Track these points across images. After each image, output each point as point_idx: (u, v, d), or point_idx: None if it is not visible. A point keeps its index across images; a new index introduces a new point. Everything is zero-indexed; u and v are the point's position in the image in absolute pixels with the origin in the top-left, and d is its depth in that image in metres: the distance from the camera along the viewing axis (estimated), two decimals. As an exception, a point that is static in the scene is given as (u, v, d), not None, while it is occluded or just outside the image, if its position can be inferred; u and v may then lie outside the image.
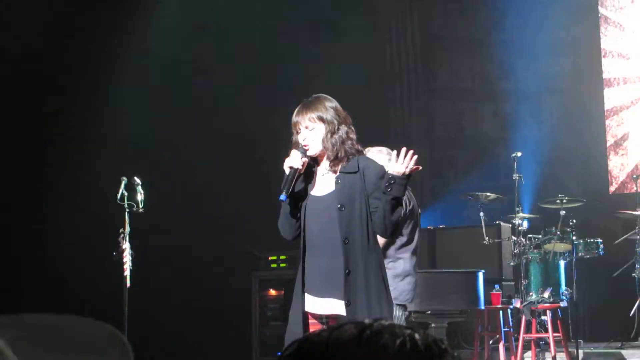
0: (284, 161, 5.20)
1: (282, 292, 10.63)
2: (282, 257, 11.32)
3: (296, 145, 5.22)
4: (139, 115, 11.00)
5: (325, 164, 5.24)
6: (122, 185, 7.83)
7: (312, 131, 5.17)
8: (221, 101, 11.53)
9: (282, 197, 5.11)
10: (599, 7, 12.60)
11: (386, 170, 5.20)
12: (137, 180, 7.87)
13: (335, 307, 5.09)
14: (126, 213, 7.79)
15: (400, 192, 5.03)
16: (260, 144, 11.10)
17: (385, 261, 7.41)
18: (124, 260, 7.70)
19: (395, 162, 5.06)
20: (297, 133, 5.22)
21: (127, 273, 7.67)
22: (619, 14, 12.50)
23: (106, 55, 11.04)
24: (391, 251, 7.36)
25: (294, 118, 5.23)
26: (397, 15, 13.44)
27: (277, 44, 11.70)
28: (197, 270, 11.02)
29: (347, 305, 5.00)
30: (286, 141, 5.36)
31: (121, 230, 7.82)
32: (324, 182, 5.24)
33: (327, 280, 5.11)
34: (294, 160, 5.14)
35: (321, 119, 5.17)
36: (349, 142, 5.20)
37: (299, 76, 11.10)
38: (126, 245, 7.69)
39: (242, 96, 11.67)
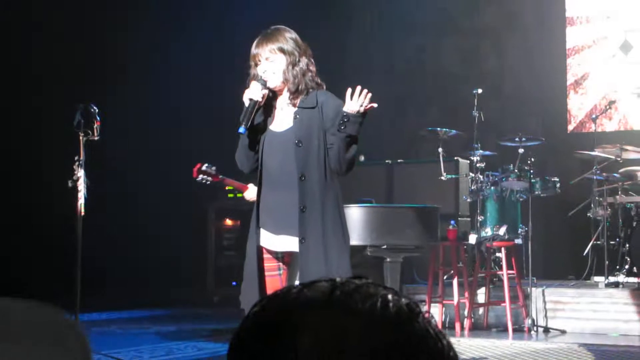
0: (243, 93, 5.10)
1: (239, 222, 10.61)
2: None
3: (255, 79, 5.12)
4: (95, 44, 10.87)
5: (284, 98, 5.15)
6: (78, 113, 7.69)
7: (272, 63, 5.07)
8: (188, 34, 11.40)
9: (241, 129, 5.01)
10: (564, -56, 12.54)
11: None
12: (94, 107, 7.74)
13: (289, 243, 5.04)
14: (82, 140, 7.67)
15: (355, 130, 4.95)
16: (219, 77, 10.98)
17: None
18: (79, 188, 7.59)
19: (349, 99, 4.97)
20: (256, 65, 5.11)
21: (81, 201, 7.56)
22: (584, -48, 12.43)
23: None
24: None
25: (253, 50, 5.11)
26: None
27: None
28: (153, 200, 10.97)
29: (301, 242, 4.96)
30: (245, 73, 5.26)
31: (76, 157, 7.70)
32: (283, 117, 5.15)
33: (282, 216, 5.05)
34: (253, 92, 5.04)
35: (282, 50, 5.07)
36: (309, 74, 5.12)
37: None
38: (81, 173, 7.57)
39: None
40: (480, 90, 9.90)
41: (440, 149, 10.07)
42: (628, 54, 12.02)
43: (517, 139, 9.91)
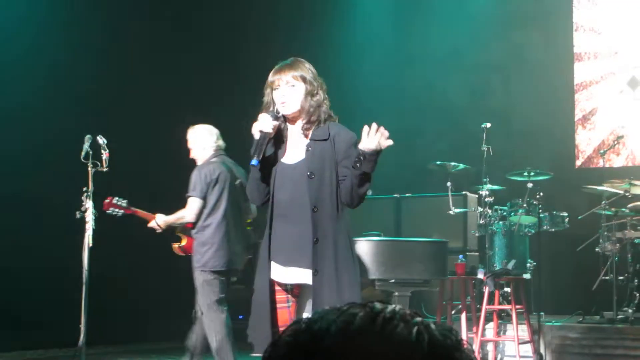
0: (252, 126, 5.11)
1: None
2: (247, 221, 11.26)
3: (267, 108, 5.13)
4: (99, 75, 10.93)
5: (296, 128, 5.15)
6: (87, 144, 7.71)
7: (292, 88, 5.06)
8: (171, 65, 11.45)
9: (254, 162, 4.98)
10: (573, -19, 12.61)
11: (356, 139, 5.11)
12: (102, 138, 7.76)
13: (299, 276, 5.02)
14: (90, 172, 7.68)
15: (370, 167, 4.92)
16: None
17: (193, 232, 7.65)
18: (87, 219, 7.60)
19: (366, 137, 4.96)
20: (274, 90, 5.10)
21: (89, 232, 7.56)
22: (592, -12, 12.50)
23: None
24: (199, 222, 7.77)
25: (273, 76, 5.09)
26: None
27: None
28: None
29: (314, 274, 4.94)
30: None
31: (85, 188, 7.72)
32: (295, 149, 5.14)
33: (294, 248, 5.03)
34: (264, 124, 5.02)
35: (303, 79, 5.07)
36: (324, 106, 5.13)
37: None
38: (89, 204, 7.58)
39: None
40: (489, 125, 9.91)
41: (448, 183, 10.08)
42: (635, 89, 12.05)
43: (525, 174, 9.93)
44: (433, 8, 13.04)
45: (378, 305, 1.19)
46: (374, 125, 4.94)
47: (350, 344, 1.12)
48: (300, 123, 5.14)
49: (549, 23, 12.58)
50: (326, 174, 5.03)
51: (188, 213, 7.93)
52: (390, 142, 4.98)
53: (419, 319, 1.17)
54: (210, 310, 7.88)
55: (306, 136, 5.12)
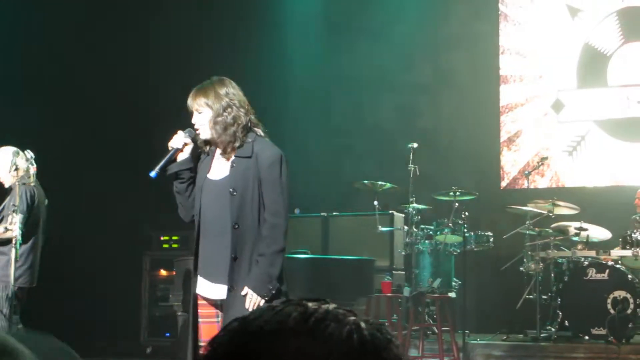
0: (170, 139, 5.21)
1: (173, 272, 10.52)
2: (174, 238, 11.24)
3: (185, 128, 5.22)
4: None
5: (219, 149, 5.20)
6: (14, 158, 7.65)
7: (200, 115, 5.15)
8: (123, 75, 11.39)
9: (152, 173, 5.11)
10: (499, 5, 12.80)
11: (280, 156, 5.15)
12: (30, 153, 7.71)
13: (222, 292, 5.05)
14: (18, 186, 7.61)
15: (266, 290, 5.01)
16: (155, 120, 10.99)
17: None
18: (14, 234, 7.52)
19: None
20: (191, 114, 5.19)
21: (17, 246, 7.48)
22: (519, 12, 12.70)
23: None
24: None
25: (188, 101, 5.20)
26: (300, 1, 13.41)
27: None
28: (89, 247, 10.86)
29: (229, 291, 4.98)
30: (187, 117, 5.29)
31: (12, 204, 7.66)
32: (220, 166, 5.19)
33: (217, 264, 5.08)
34: (175, 141, 5.17)
35: (207, 105, 5.13)
36: (232, 128, 5.12)
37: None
38: (17, 219, 7.51)
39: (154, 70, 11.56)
40: (415, 145, 10.01)
41: (375, 202, 10.15)
42: (560, 112, 12.26)
43: (451, 194, 10.03)
44: (362, 28, 13.13)
45: (312, 305, 1.20)
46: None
47: (283, 344, 1.13)
48: (219, 145, 5.20)
49: (475, 45, 12.74)
50: (248, 191, 5.06)
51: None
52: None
53: (351, 317, 1.19)
54: None
55: (229, 155, 5.16)
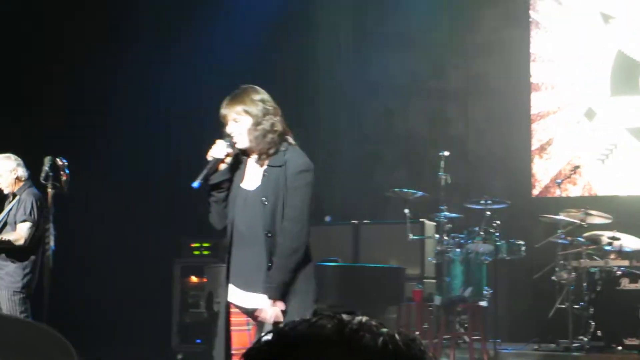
0: (208, 150, 5.20)
1: (204, 279, 10.55)
2: (205, 245, 11.27)
3: (223, 137, 5.20)
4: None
5: (254, 157, 5.21)
6: (47, 165, 7.69)
7: (237, 124, 5.14)
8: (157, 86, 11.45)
9: (194, 184, 5.09)
10: (531, 12, 12.74)
11: (308, 166, 5.17)
12: (63, 160, 7.74)
13: (257, 300, 5.07)
14: (50, 193, 7.66)
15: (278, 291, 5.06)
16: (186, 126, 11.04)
17: None
18: (46, 240, 7.58)
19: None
20: (226, 125, 5.18)
21: (49, 253, 7.54)
22: (550, 20, 12.63)
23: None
24: None
25: (222, 110, 5.19)
26: (330, 9, 13.43)
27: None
28: (120, 254, 10.91)
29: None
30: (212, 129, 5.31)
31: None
32: (253, 175, 5.22)
33: (251, 274, 5.11)
34: (216, 151, 5.15)
35: (246, 112, 5.14)
36: (270, 135, 5.15)
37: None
38: (49, 226, 7.57)
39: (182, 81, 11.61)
40: (447, 153, 10.00)
41: (406, 210, 10.12)
42: (592, 120, 12.18)
43: (482, 202, 10.00)
44: (393, 35, 13.11)
45: (346, 317, 1.21)
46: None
47: (319, 354, 1.14)
48: (255, 153, 5.20)
49: (507, 53, 12.69)
50: (279, 200, 5.10)
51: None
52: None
53: (384, 329, 1.20)
54: None
55: (263, 164, 5.18)
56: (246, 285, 5.13)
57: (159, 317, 11.05)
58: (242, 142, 5.16)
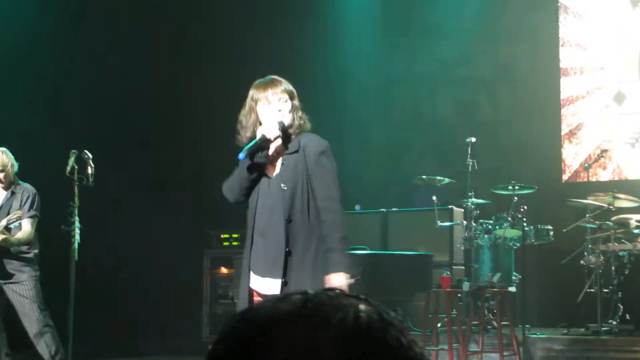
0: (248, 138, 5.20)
1: (233, 270, 10.62)
2: (234, 236, 11.33)
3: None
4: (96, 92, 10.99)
5: (276, 143, 5.23)
6: (73, 159, 7.78)
7: (285, 103, 5.17)
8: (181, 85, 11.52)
9: (241, 155, 5.05)
10: (559, -4, 12.68)
11: (327, 147, 5.22)
12: (88, 154, 7.82)
13: (273, 286, 5.10)
14: (76, 186, 7.75)
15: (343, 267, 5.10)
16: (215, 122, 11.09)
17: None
18: (72, 233, 7.67)
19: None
20: (267, 105, 5.15)
21: (75, 246, 7.64)
22: (578, 4, 12.57)
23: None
24: None
25: (264, 91, 5.16)
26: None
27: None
28: (148, 246, 11.00)
29: (283, 285, 5.04)
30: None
31: (71, 203, 7.79)
32: (274, 163, 5.25)
33: (269, 259, 5.13)
34: (270, 131, 5.11)
35: (291, 95, 5.20)
36: (302, 120, 5.22)
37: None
38: (75, 219, 7.66)
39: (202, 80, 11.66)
40: (474, 139, 10.00)
41: (434, 197, 10.13)
42: (622, 104, 12.12)
43: (510, 187, 9.98)
44: (420, 22, 13.10)
45: (315, 292, 1.20)
46: None
47: (284, 331, 1.15)
48: (280, 138, 5.21)
49: (535, 38, 12.64)
50: (298, 185, 5.13)
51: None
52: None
53: (353, 302, 1.18)
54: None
55: (283, 151, 5.21)
56: (263, 272, 5.15)
57: (190, 308, 11.14)
58: (287, 121, 5.17)
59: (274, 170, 5.22)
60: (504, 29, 12.76)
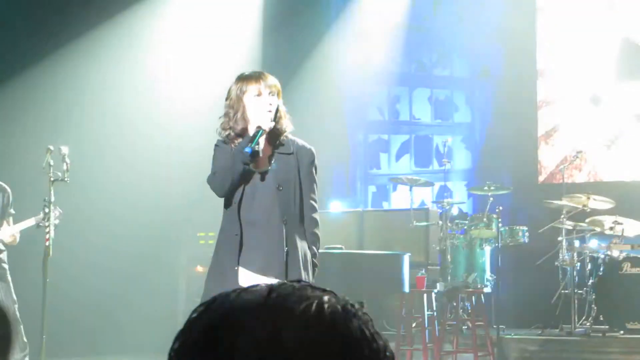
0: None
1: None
2: (210, 234, 11.29)
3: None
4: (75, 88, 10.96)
5: (262, 140, 5.19)
6: (48, 155, 7.76)
7: (274, 97, 5.15)
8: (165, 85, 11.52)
9: (248, 149, 4.99)
10: (536, -1, 12.73)
11: (315, 154, 5.25)
12: (64, 149, 7.79)
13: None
14: (51, 182, 7.73)
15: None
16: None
17: None
18: (47, 229, 7.64)
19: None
20: (256, 97, 5.11)
21: (49, 243, 7.61)
22: (555, 6, 12.62)
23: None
24: None
25: (254, 84, 5.13)
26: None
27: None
28: (123, 242, 10.96)
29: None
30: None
31: (46, 198, 7.77)
32: (262, 159, 5.19)
33: (268, 258, 5.09)
34: (264, 120, 5.08)
35: (278, 91, 5.19)
36: (287, 118, 5.22)
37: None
38: (50, 214, 7.63)
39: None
40: (450, 139, 10.04)
41: (411, 197, 10.15)
42: (597, 106, 12.17)
43: (485, 188, 10.02)
44: (396, 22, 13.09)
45: (280, 284, 1.22)
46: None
47: (248, 321, 1.17)
48: (269, 135, 5.18)
49: (512, 40, 12.67)
50: (291, 186, 5.14)
51: None
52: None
53: (319, 293, 1.20)
54: None
55: (271, 147, 5.20)
56: (262, 270, 5.06)
57: (165, 307, 11.10)
58: (273, 117, 5.14)
59: (261, 164, 5.17)
60: (481, 30, 12.79)
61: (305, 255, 5.12)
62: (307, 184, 5.18)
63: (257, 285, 1.23)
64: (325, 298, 1.19)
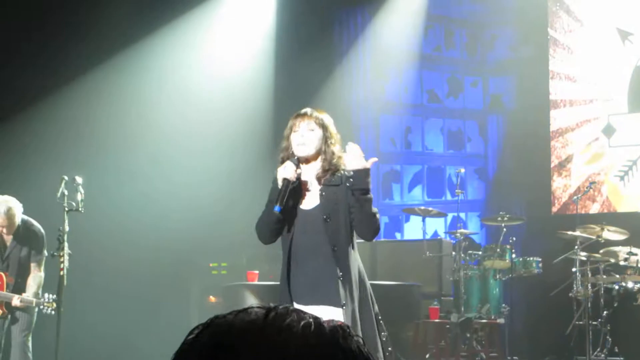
0: (276, 171, 5.29)
1: (222, 299, 10.58)
2: (222, 265, 11.30)
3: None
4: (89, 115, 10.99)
5: (311, 173, 5.32)
6: (63, 184, 7.78)
7: (311, 132, 5.26)
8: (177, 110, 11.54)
9: (277, 208, 5.16)
10: (549, 29, 12.73)
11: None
12: (78, 179, 7.82)
13: (330, 313, 5.10)
14: (65, 212, 7.74)
15: (364, 183, 5.15)
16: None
17: None
18: (61, 259, 7.65)
19: (348, 159, 5.16)
20: (293, 132, 5.30)
21: (64, 272, 7.62)
22: (568, 37, 12.64)
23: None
24: None
25: (294, 119, 5.32)
26: (349, 27, 13.49)
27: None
28: (136, 273, 10.95)
29: (344, 307, 5.07)
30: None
31: (60, 228, 7.78)
32: (311, 195, 5.32)
33: (319, 287, 5.18)
34: (288, 172, 5.22)
35: (322, 125, 5.27)
36: (336, 158, 5.28)
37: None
38: (64, 245, 7.65)
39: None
40: (463, 170, 10.02)
41: (423, 228, 10.14)
42: (611, 137, 12.16)
43: (499, 219, 10.00)
44: (410, 53, 13.15)
45: (277, 305, 1.24)
46: (350, 145, 5.18)
47: (246, 340, 1.17)
48: (314, 169, 5.32)
49: (525, 70, 12.70)
50: (340, 215, 5.23)
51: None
52: (373, 160, 5.27)
53: (313, 316, 1.22)
54: None
55: (319, 181, 5.29)
56: (314, 300, 5.17)
57: (177, 337, 11.07)
58: (308, 150, 5.26)
59: (311, 201, 5.30)
60: (494, 61, 12.83)
61: (361, 280, 5.20)
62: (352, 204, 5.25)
63: (253, 306, 1.25)
64: (322, 318, 1.22)
